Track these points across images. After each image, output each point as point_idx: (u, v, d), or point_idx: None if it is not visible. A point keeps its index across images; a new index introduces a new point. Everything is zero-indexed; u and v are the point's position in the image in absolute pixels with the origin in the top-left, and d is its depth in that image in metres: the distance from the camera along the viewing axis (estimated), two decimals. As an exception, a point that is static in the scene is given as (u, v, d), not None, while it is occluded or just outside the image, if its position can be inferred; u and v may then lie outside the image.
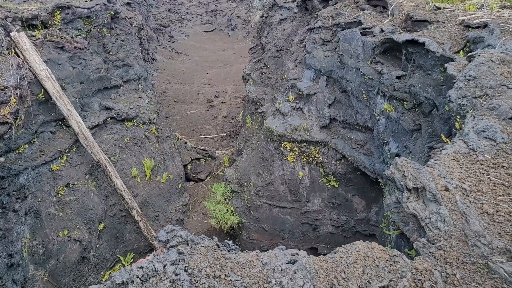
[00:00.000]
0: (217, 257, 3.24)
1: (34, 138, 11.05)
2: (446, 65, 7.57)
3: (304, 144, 13.20)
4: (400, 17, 11.25)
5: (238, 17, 48.02)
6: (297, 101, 13.67)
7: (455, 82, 6.48)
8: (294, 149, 13.39)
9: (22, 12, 11.67)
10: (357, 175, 12.83)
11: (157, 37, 39.13)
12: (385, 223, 8.39)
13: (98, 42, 14.18)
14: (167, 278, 2.91)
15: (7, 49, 9.69)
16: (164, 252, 3.21)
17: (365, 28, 11.55)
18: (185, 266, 3.04)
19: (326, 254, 3.60)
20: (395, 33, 10.43)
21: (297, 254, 3.41)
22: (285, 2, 18.27)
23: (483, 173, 4.14)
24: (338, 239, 13.74)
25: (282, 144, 13.53)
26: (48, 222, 11.21)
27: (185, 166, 18.28)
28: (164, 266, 3.04)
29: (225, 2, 53.89)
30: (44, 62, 11.27)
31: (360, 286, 3.10)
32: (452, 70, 7.16)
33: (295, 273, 3.03)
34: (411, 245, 4.22)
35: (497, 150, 4.53)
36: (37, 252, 10.76)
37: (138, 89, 15.66)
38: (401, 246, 5.03)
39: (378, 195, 12.54)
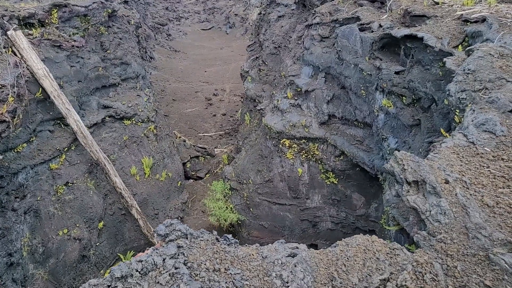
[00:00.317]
0: (217, 251, 3.22)
1: (33, 137, 11.01)
2: (445, 59, 7.55)
3: (303, 140, 13.19)
4: (398, 12, 11.23)
5: (236, 15, 47.93)
6: (296, 98, 13.65)
7: (454, 76, 6.47)
8: (293, 146, 13.38)
9: (19, 11, 11.62)
10: (356, 171, 12.82)
11: (154, 36, 39.05)
12: (384, 218, 8.38)
13: (96, 40, 14.14)
14: (166, 272, 2.90)
15: (4, 47, 9.64)
16: (163, 246, 3.19)
17: (363, 24, 11.53)
18: (185, 260, 3.02)
19: (326, 250, 3.60)
20: (394, 28, 10.41)
21: (297, 247, 3.40)
22: (282, -1, 18.22)
23: (483, 166, 4.13)
24: (337, 236, 13.73)
25: (281, 141, 13.51)
26: (48, 221, 11.19)
27: (184, 164, 18.25)
28: (164, 260, 3.03)
29: (223, 0, 53.80)
30: (42, 60, 11.22)
31: (361, 279, 3.09)
32: (451, 64, 7.14)
33: (295, 266, 3.02)
34: (411, 240, 4.21)
35: (496, 143, 4.52)
36: (37, 251, 10.73)
37: (136, 87, 15.62)
38: (401, 241, 5.02)
39: (377, 191, 12.53)
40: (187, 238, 3.31)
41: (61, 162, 11.90)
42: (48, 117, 11.57)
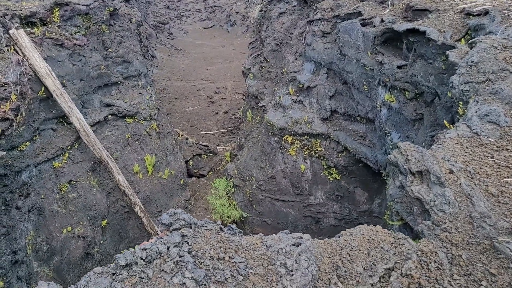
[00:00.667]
0: (221, 240, 3.22)
1: (36, 136, 11.04)
2: (447, 52, 7.53)
3: (306, 137, 13.17)
4: (400, 7, 11.20)
5: (237, 12, 47.89)
6: (298, 94, 13.63)
7: (457, 69, 6.45)
8: (296, 142, 13.37)
9: (21, 10, 11.63)
10: (359, 167, 12.80)
11: (156, 35, 39.07)
12: (388, 214, 8.37)
13: (98, 39, 14.15)
14: (171, 260, 2.90)
15: (6, 46, 9.66)
16: (167, 235, 3.19)
17: (365, 19, 11.50)
18: (189, 249, 3.02)
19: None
20: (396, 23, 10.39)
21: (301, 237, 3.39)
22: (284, -4, 18.19)
23: (487, 156, 4.12)
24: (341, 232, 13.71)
25: (283, 138, 13.51)
26: (52, 219, 11.22)
27: (186, 162, 18.27)
28: (168, 248, 3.03)
29: (224, -2, 53.75)
30: (44, 59, 11.23)
31: (365, 268, 3.08)
32: (454, 57, 7.12)
33: (299, 255, 3.01)
34: (415, 235, 4.20)
35: (500, 133, 4.51)
36: (41, 249, 10.76)
37: (138, 86, 15.63)
38: (405, 235, 5.01)
39: (380, 187, 12.51)
40: (191, 227, 3.32)
41: (64, 160, 11.92)
42: (51, 115, 11.59)
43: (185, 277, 2.73)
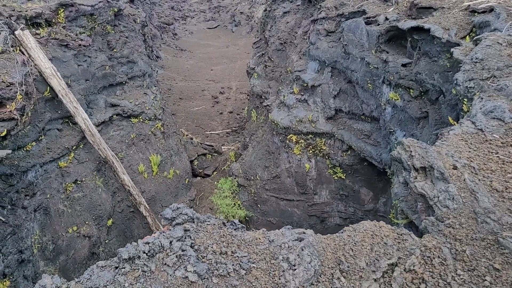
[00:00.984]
0: (223, 235, 3.23)
1: (41, 136, 11.11)
2: (452, 49, 7.49)
3: (310, 136, 13.15)
4: (405, 5, 11.16)
5: (241, 13, 47.93)
6: (302, 93, 13.62)
7: (461, 66, 6.41)
8: (300, 141, 13.35)
9: (26, 11, 11.71)
10: (364, 166, 12.76)
11: (160, 35, 39.19)
12: (393, 213, 8.34)
13: (102, 39, 14.22)
14: (173, 254, 2.91)
15: (12, 46, 9.73)
16: (170, 230, 3.20)
17: (369, 17, 11.47)
18: (191, 243, 3.03)
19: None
20: (400, 21, 10.35)
21: (304, 232, 3.39)
22: (288, -5, 18.18)
23: (492, 152, 4.09)
24: (346, 231, 13.67)
25: (288, 137, 13.49)
26: (57, 219, 11.29)
27: (191, 161, 18.31)
28: (171, 242, 3.04)
29: (228, -1, 53.80)
30: (49, 60, 11.30)
31: (368, 263, 3.07)
32: (459, 54, 7.08)
33: (302, 250, 3.01)
34: (420, 234, 4.19)
35: (505, 129, 4.48)
36: (47, 248, 10.83)
37: (143, 86, 15.69)
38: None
39: (385, 186, 12.47)
40: (193, 222, 3.33)
41: (70, 160, 11.99)
42: (56, 115, 11.66)
43: (187, 270, 2.74)
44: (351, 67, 11.86)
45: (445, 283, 2.97)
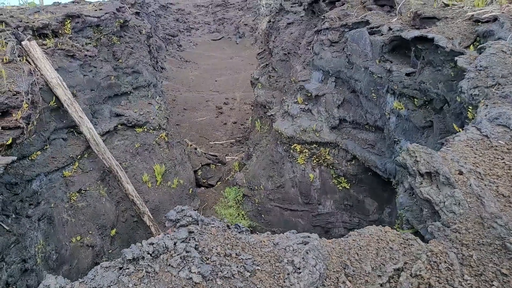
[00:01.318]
0: (228, 237, 3.21)
1: (47, 145, 11.16)
2: (456, 58, 7.50)
3: (314, 145, 13.14)
4: (408, 15, 11.21)
5: (246, 24, 48.34)
6: (306, 103, 13.65)
7: (466, 74, 6.42)
8: (304, 151, 13.34)
9: (33, 22, 11.89)
10: (368, 176, 12.71)
11: (165, 47, 39.53)
12: (398, 223, 8.28)
13: (108, 50, 14.36)
14: (177, 255, 2.89)
15: (19, 56, 9.85)
16: (175, 231, 3.19)
17: (373, 27, 11.53)
18: (196, 245, 3.02)
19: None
20: (404, 30, 10.39)
21: (308, 236, 3.37)
22: (292, 6, 18.34)
23: (498, 158, 4.07)
24: (351, 241, 13.55)
25: (292, 146, 13.49)
26: (61, 228, 11.27)
27: (195, 172, 18.30)
28: (175, 244, 3.02)
29: (233, 11, 54.31)
30: (55, 70, 11.42)
31: (374, 268, 3.04)
32: (463, 63, 7.09)
33: (307, 253, 2.99)
34: (426, 243, 4.14)
35: (511, 136, 4.45)
36: (51, 257, 10.80)
37: (148, 96, 15.79)
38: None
39: (390, 196, 12.39)
40: (198, 224, 3.31)
41: (74, 169, 12.02)
42: (61, 125, 11.73)
43: (191, 272, 2.72)
44: (355, 77, 11.89)
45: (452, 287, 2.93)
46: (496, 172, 3.87)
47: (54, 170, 11.26)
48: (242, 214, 14.53)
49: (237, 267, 2.83)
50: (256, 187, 14.58)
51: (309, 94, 13.41)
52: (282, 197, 14.04)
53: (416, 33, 9.56)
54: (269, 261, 3.01)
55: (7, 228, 9.25)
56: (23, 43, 10.75)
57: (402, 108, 10.08)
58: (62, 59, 12.20)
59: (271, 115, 15.31)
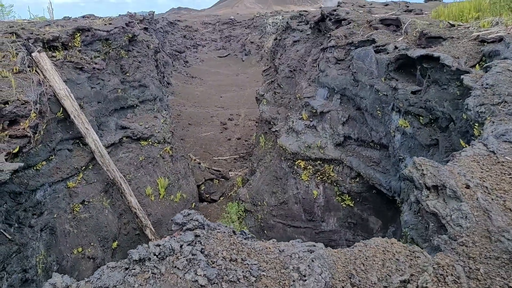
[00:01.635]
0: (234, 243, 3.19)
1: (52, 155, 11.21)
2: (462, 76, 7.53)
3: (318, 162, 13.12)
4: (414, 34, 11.32)
5: (252, 42, 48.91)
6: (311, 119, 13.69)
7: (472, 92, 6.44)
8: (308, 167, 13.31)
9: (44, 34, 12.09)
10: (372, 194, 12.63)
11: (172, 62, 39.98)
12: (403, 242, 8.19)
13: (116, 63, 14.56)
14: (184, 257, 2.87)
15: (29, 66, 9.99)
16: (181, 234, 3.18)
17: (379, 46, 11.64)
18: (202, 248, 3.00)
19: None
20: (409, 49, 10.47)
21: (314, 245, 3.34)
22: (298, 25, 18.58)
23: (504, 173, 4.05)
24: (354, 260, 13.39)
25: (296, 163, 13.47)
26: (63, 239, 11.22)
27: (198, 186, 18.28)
28: (181, 246, 3.01)
29: (239, 29, 55.06)
30: (64, 81, 11.55)
31: (380, 279, 3.00)
32: (469, 81, 7.12)
33: (312, 261, 2.96)
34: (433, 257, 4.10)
35: (518, 152, 4.44)
36: (51, 268, 10.72)
37: (154, 109, 15.91)
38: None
39: (395, 215, 12.28)
40: (204, 229, 3.30)
41: (78, 180, 12.03)
42: (67, 136, 11.80)
43: (197, 274, 2.70)
44: (360, 94, 11.94)
45: (459, 302, 2.88)
46: (503, 187, 3.85)
47: (58, 181, 11.28)
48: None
49: (242, 271, 2.81)
50: (259, 203, 14.51)
51: (314, 111, 13.46)
52: (285, 213, 13.96)
53: (422, 51, 9.63)
54: (275, 267, 2.98)
55: (10, 237, 9.23)
56: (33, 54, 10.92)
57: (407, 126, 10.08)
58: (71, 71, 12.36)
59: (276, 131, 15.34)
